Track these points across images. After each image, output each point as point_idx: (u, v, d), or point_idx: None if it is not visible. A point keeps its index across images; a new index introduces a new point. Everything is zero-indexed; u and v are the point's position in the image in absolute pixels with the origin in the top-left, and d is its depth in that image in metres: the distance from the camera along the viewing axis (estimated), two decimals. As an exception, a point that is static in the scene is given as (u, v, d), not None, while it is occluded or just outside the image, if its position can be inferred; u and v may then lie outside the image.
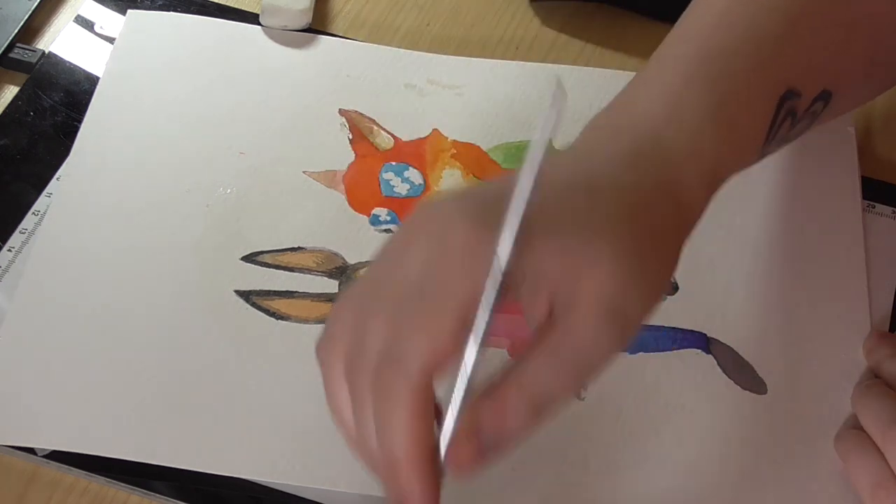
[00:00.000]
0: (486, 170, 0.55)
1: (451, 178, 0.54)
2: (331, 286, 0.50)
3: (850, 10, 0.45)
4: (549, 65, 0.60)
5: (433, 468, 0.36)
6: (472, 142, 0.56)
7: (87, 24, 0.62)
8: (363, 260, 0.51)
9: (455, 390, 0.35)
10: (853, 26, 0.46)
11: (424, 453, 0.35)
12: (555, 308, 0.36)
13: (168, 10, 0.62)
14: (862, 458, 0.44)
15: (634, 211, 0.38)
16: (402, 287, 0.35)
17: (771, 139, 0.44)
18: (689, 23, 0.44)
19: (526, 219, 0.33)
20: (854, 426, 0.46)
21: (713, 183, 0.42)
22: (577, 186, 0.37)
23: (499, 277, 0.33)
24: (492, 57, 0.61)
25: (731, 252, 0.52)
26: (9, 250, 0.52)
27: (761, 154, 0.45)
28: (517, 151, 0.56)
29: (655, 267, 0.39)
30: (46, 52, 0.60)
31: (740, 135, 0.42)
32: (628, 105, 0.42)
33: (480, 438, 0.36)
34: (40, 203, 0.54)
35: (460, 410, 0.35)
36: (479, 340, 0.34)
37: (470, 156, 0.55)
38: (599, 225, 0.36)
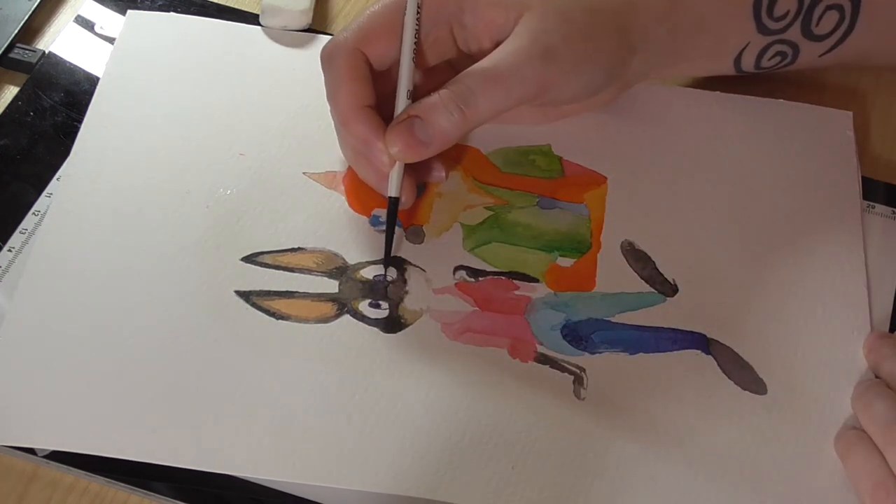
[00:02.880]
0: (486, 173, 0.55)
1: (451, 180, 0.54)
2: (331, 286, 0.50)
3: None
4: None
5: (377, 117, 0.47)
6: (472, 145, 0.56)
7: (87, 24, 0.62)
8: (363, 260, 0.51)
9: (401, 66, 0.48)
10: None
11: (364, 103, 0.47)
12: (493, 36, 0.48)
13: (168, 10, 0.62)
14: (861, 458, 0.44)
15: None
16: None
17: (765, 13, 0.50)
18: None
19: None
20: (853, 426, 0.46)
21: (679, 18, 0.50)
22: None
23: None
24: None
25: (731, 252, 0.52)
26: (9, 250, 0.52)
27: (765, 29, 0.50)
28: (516, 156, 0.56)
29: (587, 24, 0.47)
30: (46, 52, 0.60)
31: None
32: None
33: (414, 123, 0.46)
34: (40, 203, 0.54)
35: (406, 78, 0.48)
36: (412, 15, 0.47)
37: (469, 158, 0.55)
38: None
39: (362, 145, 0.47)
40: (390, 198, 0.49)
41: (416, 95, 0.48)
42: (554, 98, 0.49)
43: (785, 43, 0.51)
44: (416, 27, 0.48)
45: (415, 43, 0.48)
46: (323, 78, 0.49)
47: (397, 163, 0.48)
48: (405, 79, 0.48)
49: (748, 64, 0.53)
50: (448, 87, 0.46)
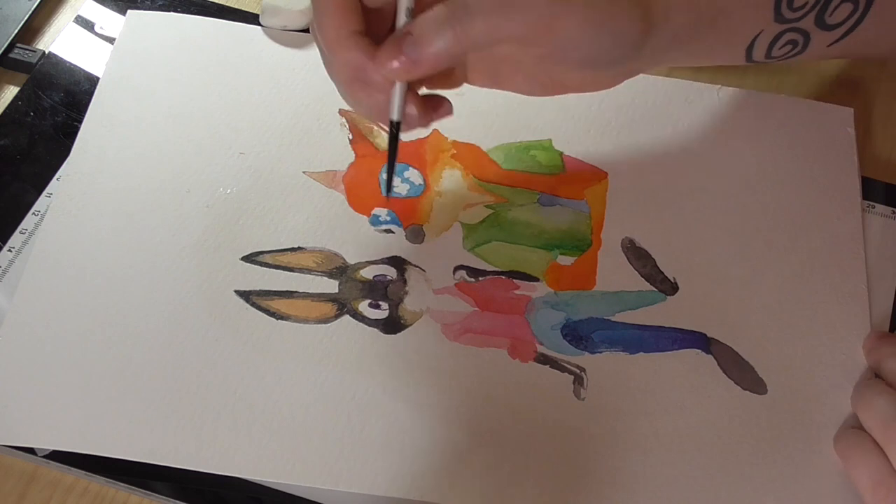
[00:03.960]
0: (486, 170, 0.55)
1: (451, 178, 0.54)
2: (331, 286, 0.50)
3: None
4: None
5: (367, 41, 0.43)
6: (472, 142, 0.56)
7: (87, 24, 0.62)
8: (363, 260, 0.51)
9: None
10: None
11: (353, 30, 0.43)
12: None
13: (168, 10, 0.62)
14: (862, 457, 0.44)
15: None
16: None
17: (784, 2, 0.47)
18: None
19: None
20: (853, 426, 0.46)
21: (699, 4, 0.46)
22: None
23: None
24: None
25: (732, 252, 0.52)
26: (9, 250, 0.52)
27: (781, 18, 0.48)
28: (517, 152, 0.56)
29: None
30: (46, 52, 0.60)
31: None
32: None
33: (406, 41, 0.42)
34: (40, 203, 0.54)
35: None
36: None
37: (470, 156, 0.55)
38: None
39: (353, 71, 0.44)
40: (392, 122, 0.45)
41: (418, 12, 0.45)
42: (557, 52, 0.45)
43: (797, 31, 0.50)
44: None
45: None
46: (320, 58, 0.46)
47: (397, 84, 0.44)
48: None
49: (760, 53, 0.51)
50: (444, 3, 0.42)
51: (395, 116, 0.45)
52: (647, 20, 0.45)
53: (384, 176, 0.52)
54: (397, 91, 0.44)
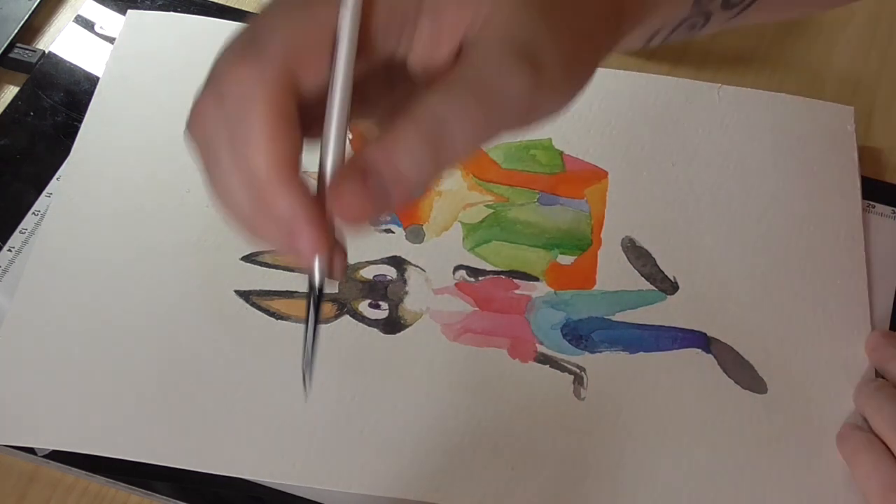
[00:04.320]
0: (486, 170, 0.55)
1: (450, 178, 0.54)
2: (331, 286, 0.50)
3: None
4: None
5: (305, 186, 0.30)
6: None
7: (87, 24, 0.62)
8: (363, 260, 0.51)
9: (329, 107, 0.30)
10: None
11: (293, 167, 0.30)
12: (461, 46, 0.32)
13: (168, 10, 0.62)
14: (871, 462, 0.44)
15: None
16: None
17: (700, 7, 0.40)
18: None
19: None
20: (857, 426, 0.46)
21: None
22: None
23: None
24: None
25: (731, 252, 0.52)
26: (9, 250, 0.52)
27: (699, 6, 0.40)
28: (517, 151, 0.56)
29: (573, 23, 0.33)
30: (46, 52, 0.60)
31: None
32: None
33: (368, 178, 0.30)
34: (40, 203, 0.54)
35: (338, 122, 0.30)
36: (348, 39, 0.30)
37: (470, 155, 0.55)
38: None
39: (281, 226, 0.30)
40: (312, 287, 0.32)
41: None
42: (540, 115, 0.35)
43: (702, 14, 0.45)
44: (354, 32, 0.31)
45: (348, 52, 0.31)
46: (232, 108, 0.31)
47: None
48: (335, 124, 0.31)
49: (658, 39, 0.44)
50: (410, 115, 0.30)
51: (317, 279, 0.32)
52: (617, 26, 0.39)
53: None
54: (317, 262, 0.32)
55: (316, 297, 0.32)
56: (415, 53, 0.33)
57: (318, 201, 0.30)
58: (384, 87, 0.33)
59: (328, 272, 0.31)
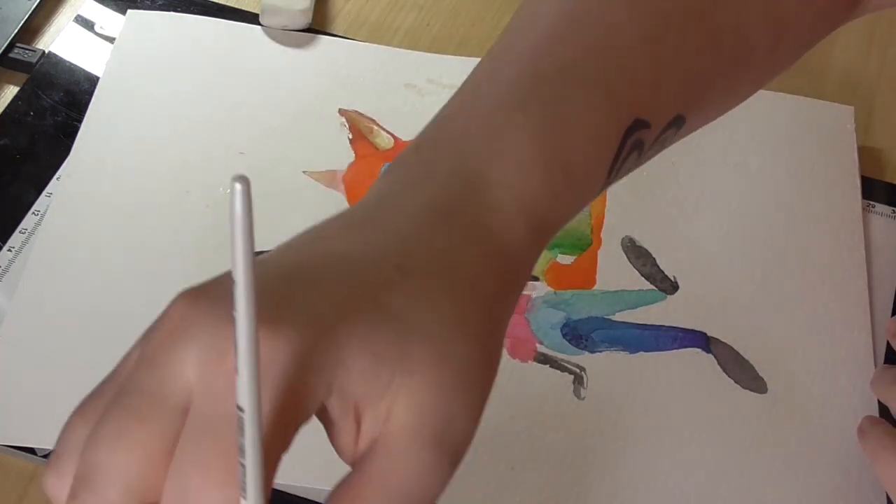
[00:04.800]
0: (486, 169, 0.55)
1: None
2: None
3: (711, 21, 0.37)
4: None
5: None
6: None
7: (87, 24, 0.62)
8: (363, 260, 0.51)
9: None
10: (714, 39, 0.38)
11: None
12: (371, 433, 0.29)
13: (168, 10, 0.62)
14: (893, 456, 0.43)
15: (455, 290, 0.30)
16: (117, 385, 0.29)
17: (613, 176, 0.36)
18: (514, 38, 0.37)
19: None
20: (875, 418, 0.46)
21: (544, 235, 0.34)
22: (380, 262, 0.29)
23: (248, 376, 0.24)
24: (492, 56, 0.61)
25: (732, 252, 0.52)
26: (9, 250, 0.52)
27: (600, 192, 0.37)
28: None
29: (485, 358, 0.31)
30: (46, 52, 0.60)
31: (578, 179, 0.34)
32: (440, 141, 0.34)
33: None
34: (40, 203, 0.54)
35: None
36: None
37: (470, 155, 0.55)
38: (412, 315, 0.28)
39: None
40: None
41: None
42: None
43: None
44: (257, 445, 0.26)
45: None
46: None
47: None
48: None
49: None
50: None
51: None
52: (510, 308, 0.34)
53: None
54: None
55: None
56: (334, 440, 0.30)
57: None
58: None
59: None
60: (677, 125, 0.37)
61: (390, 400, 0.28)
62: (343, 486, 0.29)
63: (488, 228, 0.31)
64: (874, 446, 0.45)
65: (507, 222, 0.31)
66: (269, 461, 0.27)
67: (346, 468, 0.45)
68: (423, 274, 0.29)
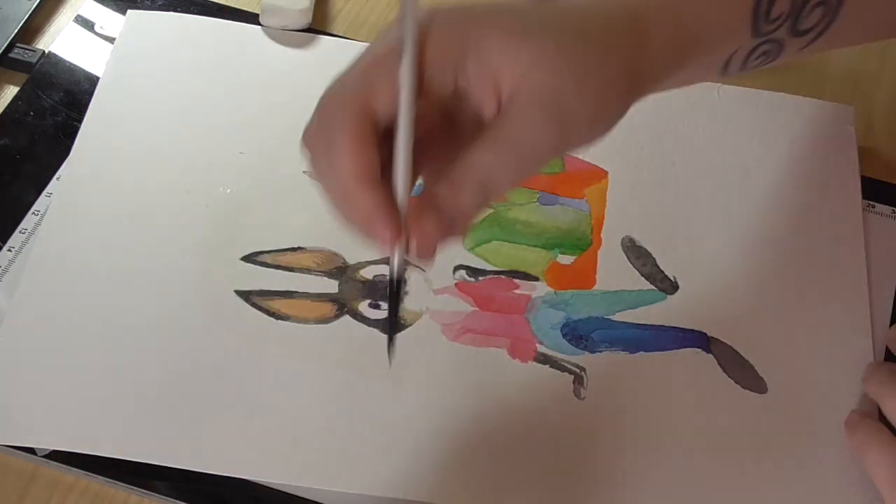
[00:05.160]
0: (486, 169, 0.55)
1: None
2: (331, 286, 0.50)
3: None
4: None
5: (386, 191, 0.39)
6: (472, 141, 0.56)
7: (87, 24, 0.62)
8: (363, 260, 0.51)
9: (398, 130, 0.39)
10: None
11: (371, 174, 0.39)
12: (502, 100, 0.40)
13: (168, 10, 0.62)
14: (881, 451, 0.44)
15: (588, 23, 0.42)
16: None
17: (762, 18, 0.46)
18: None
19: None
20: (864, 413, 0.46)
21: (683, 38, 0.45)
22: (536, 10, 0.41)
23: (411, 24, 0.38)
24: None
25: (732, 252, 0.52)
26: (9, 250, 0.52)
27: (759, 33, 0.47)
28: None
29: (602, 77, 0.41)
30: (46, 52, 0.60)
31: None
32: None
33: (440, 212, 0.39)
34: (40, 203, 0.54)
35: (405, 140, 0.39)
36: (409, 71, 0.38)
37: (470, 155, 0.55)
38: (549, 26, 0.40)
39: (365, 222, 0.39)
40: (392, 279, 0.40)
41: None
42: (568, 153, 0.46)
43: (772, 42, 0.51)
44: (412, 67, 0.39)
45: (411, 84, 0.39)
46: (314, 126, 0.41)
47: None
48: (405, 129, 0.39)
49: (734, 68, 0.52)
50: (469, 165, 0.39)
51: (396, 272, 0.40)
52: (638, 84, 0.46)
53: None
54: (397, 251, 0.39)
55: (394, 282, 0.40)
56: (467, 99, 0.41)
57: (394, 200, 0.39)
58: (446, 146, 0.41)
59: (411, 251, 0.39)
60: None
61: (522, 75, 0.39)
62: (479, 139, 0.39)
63: (634, 17, 0.43)
64: (859, 438, 0.45)
65: (652, 22, 0.44)
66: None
67: (347, 467, 0.46)
68: (564, 9, 0.41)
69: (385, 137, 0.40)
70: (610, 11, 0.44)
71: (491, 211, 0.53)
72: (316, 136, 0.40)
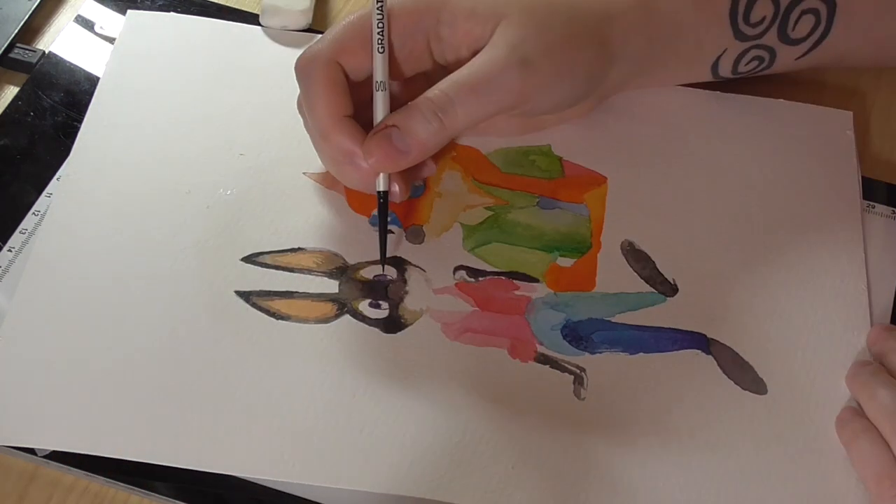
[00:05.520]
0: (486, 173, 0.55)
1: (451, 180, 0.54)
2: (331, 286, 0.50)
3: None
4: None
5: (357, 127, 0.47)
6: (472, 145, 0.56)
7: (87, 24, 0.62)
8: (363, 260, 0.51)
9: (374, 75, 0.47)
10: None
11: (343, 113, 0.47)
12: (477, 48, 0.47)
13: (168, 10, 0.62)
14: (867, 448, 0.44)
15: (556, 4, 0.48)
16: None
17: (741, 19, 0.50)
18: None
19: None
20: (856, 410, 0.46)
21: (657, 29, 0.50)
22: None
23: None
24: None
25: (731, 252, 0.52)
26: (9, 250, 0.52)
27: (742, 35, 0.51)
28: (516, 156, 0.56)
29: (566, 35, 0.47)
30: (46, 52, 0.60)
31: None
32: None
33: (392, 133, 0.46)
34: (40, 203, 0.54)
35: (380, 87, 0.47)
36: (377, 36, 0.47)
37: (469, 158, 0.55)
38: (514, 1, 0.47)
39: (344, 156, 0.47)
40: (379, 192, 0.48)
41: (393, 107, 0.48)
42: (531, 108, 0.49)
43: (762, 48, 0.52)
44: (380, 18, 0.47)
45: (380, 33, 0.47)
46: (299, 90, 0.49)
47: None
48: (379, 71, 0.48)
49: (725, 69, 0.54)
50: (426, 95, 0.46)
51: (382, 186, 0.48)
52: (606, 55, 0.49)
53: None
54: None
55: (382, 198, 0.48)
56: (440, 55, 0.49)
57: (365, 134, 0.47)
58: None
59: (370, 166, 0.47)
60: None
61: (492, 26, 0.46)
62: (451, 75, 0.46)
63: (609, 17, 0.50)
64: (848, 435, 0.46)
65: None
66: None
67: (347, 466, 0.46)
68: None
69: (358, 89, 0.48)
70: (578, 1, 0.49)
71: (491, 213, 0.53)
72: (301, 87, 0.48)
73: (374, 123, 0.47)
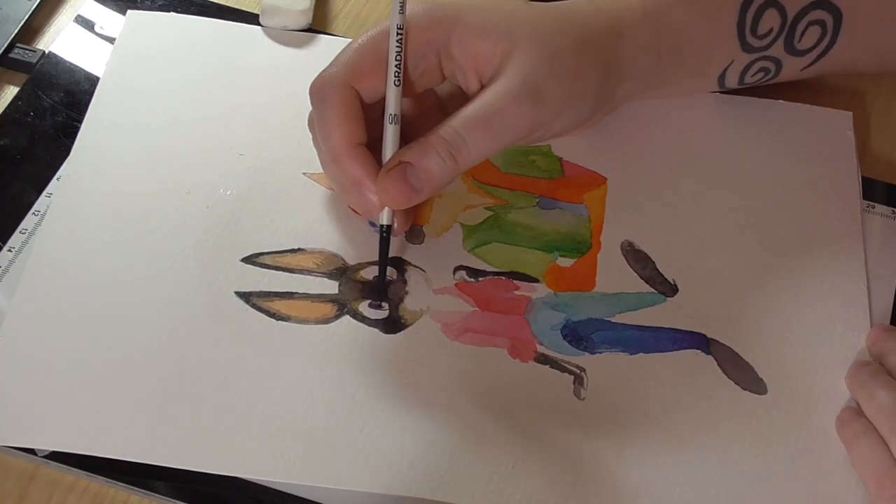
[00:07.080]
0: (486, 173, 0.55)
1: (451, 179, 0.54)
2: (331, 287, 0.50)
3: None
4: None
5: (370, 157, 0.47)
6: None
7: (87, 24, 0.62)
8: (363, 260, 0.51)
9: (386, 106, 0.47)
10: None
11: (356, 141, 0.46)
12: (483, 82, 0.47)
13: (168, 10, 0.62)
14: (867, 448, 0.44)
15: (566, 23, 0.48)
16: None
17: (748, 32, 0.50)
18: None
19: None
20: (856, 410, 0.47)
21: (665, 44, 0.51)
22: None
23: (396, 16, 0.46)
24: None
25: (731, 252, 0.52)
26: (9, 250, 0.52)
27: (749, 47, 0.51)
28: (516, 156, 0.56)
29: (576, 62, 0.47)
30: (46, 52, 0.60)
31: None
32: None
33: (407, 172, 0.45)
34: (40, 203, 0.54)
35: (392, 113, 0.47)
36: (393, 60, 0.47)
37: (470, 157, 0.55)
38: (524, 17, 0.47)
39: (353, 184, 0.47)
40: (382, 226, 0.48)
41: (403, 123, 0.48)
42: (541, 136, 0.49)
43: (768, 59, 0.52)
44: (399, 51, 0.46)
45: (397, 66, 0.47)
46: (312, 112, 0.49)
47: None
48: (392, 104, 0.47)
49: (732, 81, 0.54)
50: (438, 132, 0.45)
51: (385, 220, 0.48)
52: (615, 75, 0.49)
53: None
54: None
55: (384, 232, 0.48)
56: (454, 80, 0.49)
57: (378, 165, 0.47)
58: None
59: (381, 202, 0.47)
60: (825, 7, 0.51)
61: (503, 56, 0.46)
62: (462, 109, 0.46)
63: (618, 33, 0.50)
64: (849, 435, 0.46)
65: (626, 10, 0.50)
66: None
67: (347, 466, 0.46)
68: (547, 17, 0.48)
69: (373, 112, 0.47)
70: (587, 14, 0.49)
71: (491, 213, 0.53)
72: (312, 115, 0.48)
73: (385, 156, 0.47)
